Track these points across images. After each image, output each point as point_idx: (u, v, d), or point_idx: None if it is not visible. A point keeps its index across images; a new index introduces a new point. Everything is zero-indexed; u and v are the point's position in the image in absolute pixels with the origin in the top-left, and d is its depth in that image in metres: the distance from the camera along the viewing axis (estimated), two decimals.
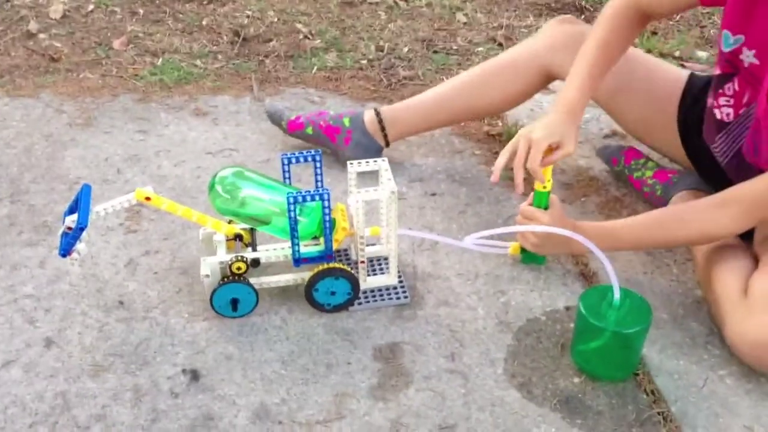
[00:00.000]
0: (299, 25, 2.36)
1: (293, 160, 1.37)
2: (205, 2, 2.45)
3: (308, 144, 1.75)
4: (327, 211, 1.28)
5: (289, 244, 1.30)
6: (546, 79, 1.65)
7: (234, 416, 1.15)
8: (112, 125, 1.83)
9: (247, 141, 1.82)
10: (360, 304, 1.36)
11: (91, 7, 2.35)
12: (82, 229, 1.20)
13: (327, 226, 1.30)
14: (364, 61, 2.19)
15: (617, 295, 1.22)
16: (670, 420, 1.18)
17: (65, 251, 1.21)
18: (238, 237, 1.36)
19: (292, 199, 1.24)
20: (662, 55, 2.32)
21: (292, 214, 1.26)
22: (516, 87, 1.66)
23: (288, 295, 1.37)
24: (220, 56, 2.17)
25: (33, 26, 2.21)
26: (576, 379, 1.24)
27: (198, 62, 2.13)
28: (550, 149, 1.33)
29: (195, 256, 1.44)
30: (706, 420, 1.18)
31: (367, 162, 1.37)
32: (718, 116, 1.37)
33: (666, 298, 1.41)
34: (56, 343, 1.26)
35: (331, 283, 1.32)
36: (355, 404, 1.18)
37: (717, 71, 1.37)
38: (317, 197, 1.26)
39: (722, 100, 1.36)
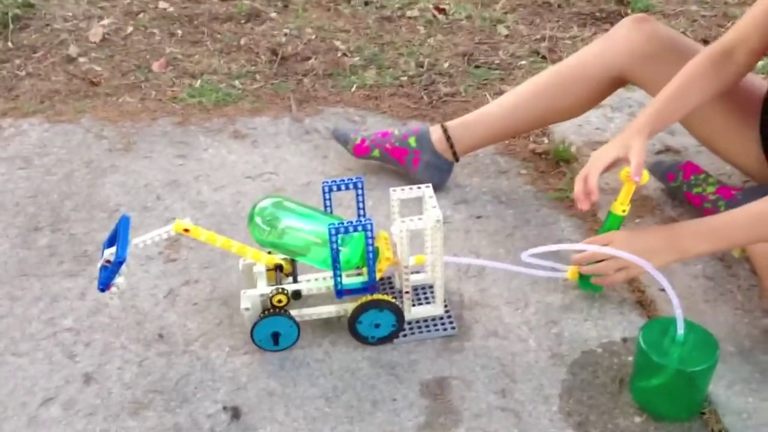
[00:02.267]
0: (337, 42, 2.32)
1: (334, 188, 1.32)
2: (242, 21, 2.43)
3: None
4: (370, 241, 1.23)
5: (331, 274, 1.26)
6: (619, 84, 1.58)
7: None
8: (151, 150, 1.82)
9: (287, 164, 1.78)
10: (405, 336, 1.31)
11: (130, 29, 2.35)
12: (120, 263, 1.17)
13: (370, 257, 1.24)
14: (404, 78, 2.14)
15: (681, 329, 1.14)
16: None
17: (104, 285, 1.18)
18: (278, 267, 1.31)
19: (333, 230, 1.20)
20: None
21: (334, 245, 1.21)
22: (588, 93, 1.59)
23: (330, 327, 1.32)
24: (258, 76, 2.14)
25: (73, 50, 2.21)
26: (637, 419, 1.17)
27: (236, 83, 2.10)
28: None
29: (235, 286, 1.40)
30: None
31: (411, 188, 1.32)
32: None
33: (731, 328, 1.33)
34: (96, 379, 1.23)
35: (376, 315, 1.27)
36: None
37: None
38: (360, 228, 1.21)
39: None
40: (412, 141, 1.66)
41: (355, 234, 1.24)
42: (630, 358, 1.26)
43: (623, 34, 1.53)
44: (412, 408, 1.18)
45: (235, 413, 1.18)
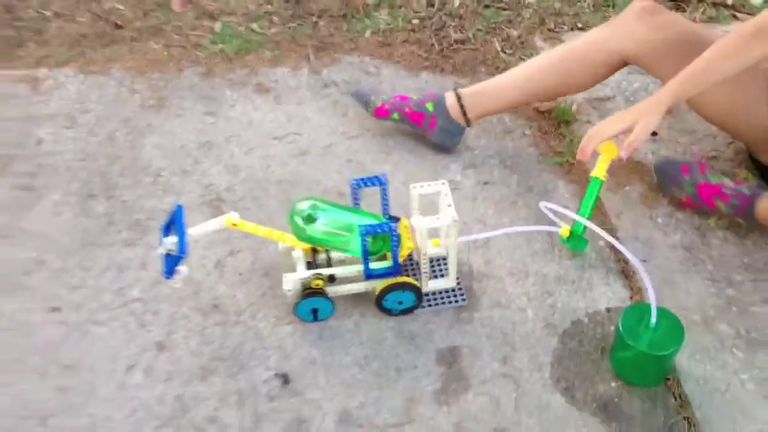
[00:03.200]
0: None
1: (361, 184, 1.50)
2: None
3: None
4: (395, 239, 1.43)
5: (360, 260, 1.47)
6: (627, 63, 1.71)
7: (322, 420, 1.38)
8: (182, 106, 1.95)
9: (310, 124, 1.92)
10: (423, 307, 1.55)
11: None
12: (181, 258, 1.37)
13: (394, 249, 1.45)
14: (416, 21, 2.23)
15: (654, 318, 1.38)
16: (694, 425, 1.38)
17: (170, 273, 1.39)
18: (314, 250, 1.52)
19: (364, 232, 1.39)
20: (715, 5, 2.32)
21: (364, 242, 1.41)
22: (595, 72, 1.74)
23: (359, 299, 1.55)
24: (275, 18, 2.22)
25: None
26: (613, 384, 1.44)
27: (254, 26, 2.19)
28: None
29: (273, 257, 1.61)
30: (725, 425, 1.38)
31: (429, 184, 1.50)
32: None
33: (699, 298, 1.57)
34: (167, 347, 1.47)
35: (399, 294, 1.50)
36: (422, 408, 1.39)
37: None
38: (386, 228, 1.40)
39: None
40: (429, 106, 1.81)
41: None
42: (611, 328, 1.51)
43: (628, 24, 1.65)
44: (430, 375, 1.45)
45: (285, 380, 1.44)
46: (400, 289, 1.49)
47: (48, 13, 2.18)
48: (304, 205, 1.46)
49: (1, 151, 1.79)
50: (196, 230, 1.42)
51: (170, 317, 1.52)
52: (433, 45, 2.15)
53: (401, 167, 1.79)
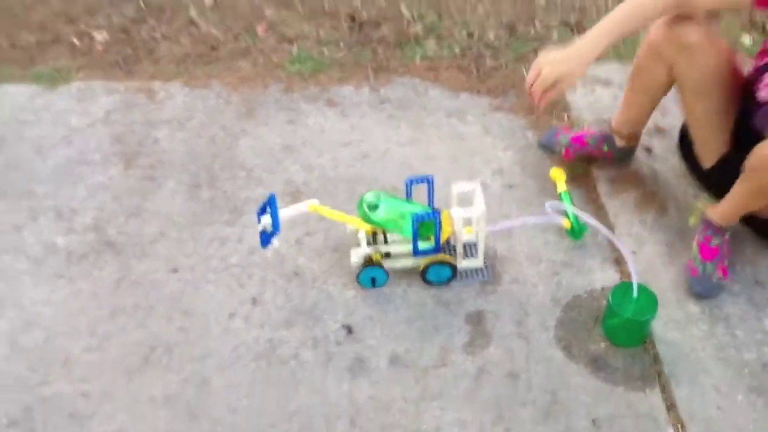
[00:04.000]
0: (403, 9, 2.82)
1: (414, 182, 1.94)
2: None
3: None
4: (438, 224, 1.87)
5: (410, 240, 1.91)
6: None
7: (377, 361, 1.82)
8: (267, 116, 2.41)
9: (370, 133, 2.37)
10: (457, 280, 1.98)
11: None
12: (275, 233, 1.82)
13: (437, 233, 1.89)
14: (458, 50, 2.67)
15: (635, 293, 1.80)
16: (663, 376, 1.79)
17: (265, 245, 1.84)
18: (374, 232, 1.97)
19: (415, 219, 1.84)
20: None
21: (415, 226, 1.85)
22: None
23: (407, 273, 1.99)
24: (341, 43, 2.68)
25: (193, 13, 2.74)
26: (602, 344, 1.86)
27: (325, 50, 2.64)
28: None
29: (340, 237, 2.06)
30: (688, 378, 1.79)
31: (465, 184, 1.93)
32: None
33: (674, 283, 1.98)
34: (259, 302, 1.93)
35: (439, 269, 1.94)
36: (454, 356, 1.83)
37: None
38: (433, 216, 1.84)
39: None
40: (605, 147, 2.24)
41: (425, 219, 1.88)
42: (604, 302, 1.93)
43: (651, 40, 1.92)
44: (461, 332, 1.88)
45: (349, 330, 1.88)
46: (440, 264, 1.93)
47: (157, 36, 2.67)
48: (370, 196, 1.91)
49: (128, 148, 2.27)
50: (285, 212, 1.87)
51: (261, 280, 1.98)
52: (471, 70, 2.59)
53: (442, 169, 2.23)
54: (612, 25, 1.78)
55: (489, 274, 2.00)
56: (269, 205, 1.85)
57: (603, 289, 1.98)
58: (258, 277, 1.98)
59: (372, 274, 1.95)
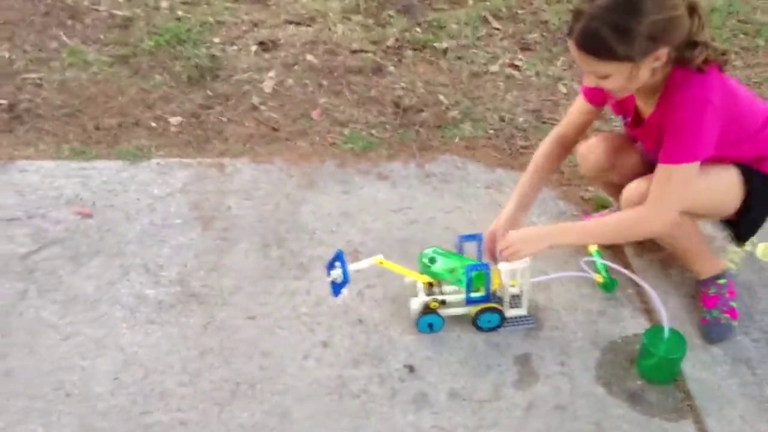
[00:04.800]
0: (441, 97, 3.17)
1: (466, 240, 2.21)
2: (369, 74, 3.29)
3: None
4: (487, 275, 2.12)
5: (464, 291, 2.16)
6: None
7: (437, 395, 2.03)
8: (326, 187, 2.71)
9: (417, 202, 2.66)
10: (505, 327, 2.21)
11: (290, 82, 3.22)
12: (346, 282, 2.07)
13: (488, 283, 2.14)
14: (492, 131, 3.00)
15: (666, 334, 2.03)
16: (694, 408, 2.00)
17: (337, 293, 2.09)
18: (430, 284, 2.22)
19: (469, 269, 2.09)
20: None
21: (468, 276, 2.11)
22: None
23: (460, 319, 2.22)
24: (387, 126, 3.01)
25: (255, 100, 3.09)
26: (638, 382, 2.07)
27: (373, 131, 2.97)
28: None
29: (396, 289, 2.31)
30: (716, 409, 2.00)
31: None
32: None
33: (699, 331, 2.21)
34: (329, 345, 2.16)
35: (489, 315, 2.18)
36: (505, 391, 2.04)
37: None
38: (483, 269, 2.10)
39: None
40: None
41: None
42: (637, 346, 2.15)
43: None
44: (510, 371, 2.10)
45: (411, 369, 2.10)
46: (490, 312, 2.17)
47: (224, 119, 3.01)
48: (428, 251, 2.18)
49: (205, 213, 2.56)
50: (354, 266, 2.13)
51: (329, 326, 2.21)
52: (504, 149, 2.91)
53: (483, 230, 2.51)
54: (570, 234, 2.17)
55: (535, 321, 2.23)
56: (338, 259, 2.11)
57: (635, 335, 2.20)
58: (326, 324, 2.22)
59: (429, 320, 2.18)
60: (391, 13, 3.75)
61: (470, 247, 2.26)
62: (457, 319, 2.22)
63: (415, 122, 3.04)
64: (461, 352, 2.15)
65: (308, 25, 3.65)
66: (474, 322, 2.20)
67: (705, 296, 2.27)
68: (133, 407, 1.96)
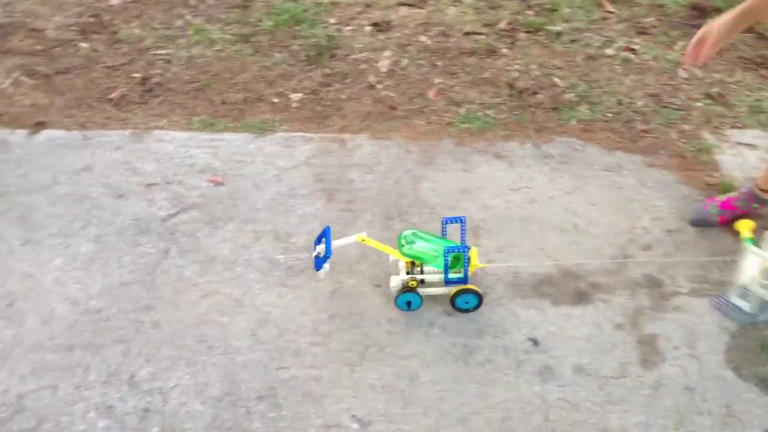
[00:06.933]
0: (556, 79, 3.16)
1: (450, 222, 2.24)
2: (483, 56, 3.30)
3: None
4: (466, 257, 2.15)
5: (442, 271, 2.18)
6: None
7: (562, 369, 2.05)
8: (444, 164, 2.75)
9: (536, 181, 2.67)
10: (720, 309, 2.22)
11: (405, 62, 3.28)
12: (328, 257, 2.10)
13: (466, 265, 2.16)
14: (610, 114, 2.97)
15: None
16: None
17: (318, 268, 2.11)
18: (413, 263, 2.24)
19: (447, 251, 2.12)
20: None
21: (447, 258, 2.13)
22: None
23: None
24: (503, 107, 3.02)
25: (371, 79, 3.16)
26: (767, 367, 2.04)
27: (489, 112, 3.00)
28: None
29: (518, 267, 2.33)
30: None
31: None
32: None
33: None
34: (453, 315, 2.20)
35: (467, 297, 2.19)
36: (632, 369, 2.04)
37: None
38: (462, 250, 2.14)
39: None
40: (755, 205, 2.46)
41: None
42: (767, 332, 2.12)
43: None
44: (636, 350, 2.09)
45: (535, 342, 2.13)
46: (467, 293, 2.18)
47: (343, 97, 3.09)
48: (407, 233, 2.22)
49: (328, 185, 2.64)
50: (337, 242, 2.15)
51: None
52: (623, 132, 2.88)
53: (606, 213, 2.50)
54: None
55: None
56: (325, 235, 2.14)
57: (766, 321, 2.16)
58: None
59: (408, 298, 2.20)
60: None
61: (454, 230, 2.27)
62: (435, 298, 2.21)
63: (531, 104, 3.05)
64: (586, 329, 2.16)
65: (420, 8, 3.69)
66: (452, 302, 2.20)
67: None
68: (270, 362, 2.06)
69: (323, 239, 2.14)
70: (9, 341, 2.11)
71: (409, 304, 2.23)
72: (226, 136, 2.87)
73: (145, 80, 3.17)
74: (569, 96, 3.08)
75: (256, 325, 2.16)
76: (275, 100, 3.08)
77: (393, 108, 3.03)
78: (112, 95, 3.09)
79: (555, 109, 3.02)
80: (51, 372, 2.03)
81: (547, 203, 2.59)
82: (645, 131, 2.89)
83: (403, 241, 2.21)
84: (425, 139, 2.88)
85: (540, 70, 3.24)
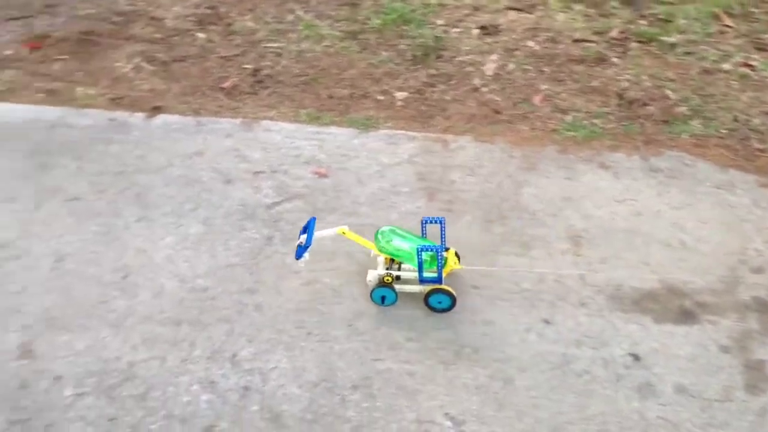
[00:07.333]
0: (668, 91, 3.07)
1: (429, 222, 2.20)
2: (592, 65, 3.25)
3: None
4: (440, 257, 2.09)
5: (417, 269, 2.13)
6: None
7: (663, 387, 1.99)
8: (547, 171, 2.72)
9: (642, 194, 2.61)
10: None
11: (511, 66, 3.26)
12: (308, 247, 2.08)
13: (440, 265, 2.11)
14: (724, 131, 2.87)
15: None
16: None
17: (298, 257, 2.08)
18: (391, 260, 2.21)
19: (420, 249, 2.08)
20: None
21: (420, 257, 2.08)
22: None
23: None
24: (611, 117, 2.97)
25: (477, 81, 3.16)
26: None
27: (596, 121, 2.94)
28: None
29: (620, 278, 2.28)
30: None
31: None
32: None
33: None
34: (551, 323, 2.17)
35: (440, 297, 2.15)
36: (737, 393, 1.96)
37: None
38: (435, 250, 2.09)
39: None
40: None
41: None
42: None
43: None
44: (742, 375, 2.01)
45: (636, 357, 2.07)
46: (441, 293, 2.15)
47: (447, 98, 3.10)
48: (385, 229, 2.20)
49: (430, 184, 2.66)
50: (319, 233, 2.14)
51: (551, 304, 2.23)
52: (738, 150, 2.77)
53: (716, 232, 2.41)
54: None
55: None
56: (309, 226, 2.14)
57: None
58: (548, 302, 2.24)
59: (383, 293, 2.19)
60: (614, 3, 3.67)
61: (433, 230, 2.24)
62: (409, 295, 2.17)
63: (640, 115, 2.97)
64: (689, 348, 2.10)
65: (529, 12, 3.66)
66: (426, 301, 2.17)
67: None
68: (366, 353, 2.09)
69: (309, 232, 2.17)
70: (123, 311, 2.22)
71: (383, 298, 2.22)
72: (332, 129, 2.93)
73: (256, 71, 3.27)
74: (681, 109, 2.99)
75: (353, 316, 2.19)
76: (380, 97, 3.12)
77: (497, 112, 3.02)
78: (225, 84, 3.20)
79: (666, 122, 2.94)
80: (160, 344, 2.12)
81: (653, 217, 2.52)
82: (761, 150, 2.78)
83: (380, 236, 2.21)
84: (529, 144, 2.86)
85: (651, 81, 3.15)
